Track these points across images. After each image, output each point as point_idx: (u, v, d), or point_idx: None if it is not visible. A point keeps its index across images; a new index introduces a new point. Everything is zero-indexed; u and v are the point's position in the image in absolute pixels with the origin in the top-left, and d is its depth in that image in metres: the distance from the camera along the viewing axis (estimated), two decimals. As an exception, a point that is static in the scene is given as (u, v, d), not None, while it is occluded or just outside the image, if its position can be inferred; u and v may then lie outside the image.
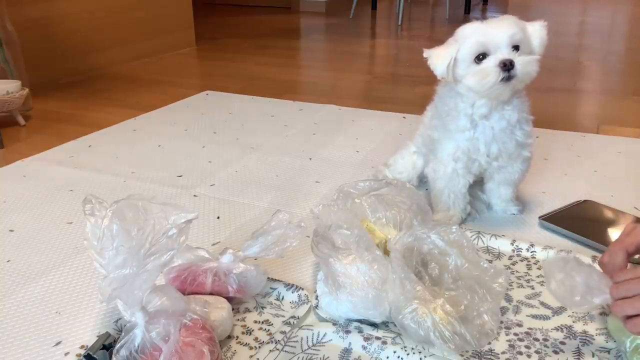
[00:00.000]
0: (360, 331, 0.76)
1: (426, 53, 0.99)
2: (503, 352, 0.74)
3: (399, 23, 3.60)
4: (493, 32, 0.93)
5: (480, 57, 0.94)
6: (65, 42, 2.20)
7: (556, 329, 0.78)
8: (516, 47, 0.93)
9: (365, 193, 0.93)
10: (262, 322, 0.80)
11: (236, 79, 2.24)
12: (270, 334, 0.77)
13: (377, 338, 0.75)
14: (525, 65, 0.92)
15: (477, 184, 1.11)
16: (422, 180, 1.18)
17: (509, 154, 1.02)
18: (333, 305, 0.78)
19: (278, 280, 0.88)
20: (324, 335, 0.76)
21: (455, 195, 1.05)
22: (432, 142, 1.07)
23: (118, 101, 1.95)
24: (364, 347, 0.74)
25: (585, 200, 1.13)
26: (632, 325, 0.65)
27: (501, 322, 0.79)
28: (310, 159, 1.41)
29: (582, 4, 4.52)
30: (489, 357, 0.73)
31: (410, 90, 2.07)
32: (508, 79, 0.92)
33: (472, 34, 0.94)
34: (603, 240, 0.98)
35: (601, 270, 0.71)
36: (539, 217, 1.07)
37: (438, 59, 0.97)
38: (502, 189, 1.09)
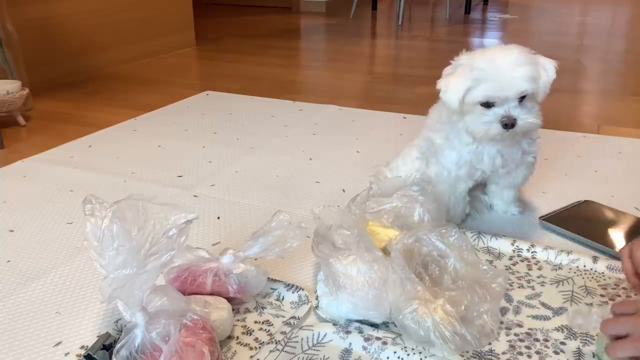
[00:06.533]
0: (360, 331, 0.76)
1: (439, 84, 0.96)
2: (503, 353, 0.74)
3: (399, 23, 3.60)
4: (505, 83, 0.89)
5: (487, 104, 0.92)
6: (65, 42, 2.20)
7: (557, 329, 0.78)
8: (523, 97, 0.92)
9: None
10: (263, 323, 0.80)
11: (236, 79, 2.24)
12: (270, 334, 0.77)
13: (378, 338, 0.75)
14: (525, 123, 0.92)
15: (479, 186, 1.11)
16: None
17: (515, 162, 1.02)
18: (333, 305, 0.78)
19: (278, 281, 0.88)
20: (324, 335, 0.76)
21: (456, 198, 1.05)
22: (434, 145, 1.06)
23: (118, 101, 1.95)
24: (364, 348, 0.74)
25: (585, 201, 1.13)
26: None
27: (501, 323, 0.79)
28: (310, 159, 1.40)
29: (582, 4, 4.52)
30: (489, 357, 0.73)
31: (410, 90, 2.06)
32: (509, 128, 0.92)
33: (484, 75, 0.90)
34: (603, 240, 0.98)
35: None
36: (540, 218, 1.07)
37: (452, 93, 0.93)
38: (505, 192, 1.10)
